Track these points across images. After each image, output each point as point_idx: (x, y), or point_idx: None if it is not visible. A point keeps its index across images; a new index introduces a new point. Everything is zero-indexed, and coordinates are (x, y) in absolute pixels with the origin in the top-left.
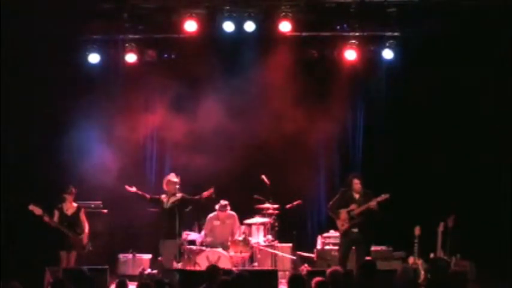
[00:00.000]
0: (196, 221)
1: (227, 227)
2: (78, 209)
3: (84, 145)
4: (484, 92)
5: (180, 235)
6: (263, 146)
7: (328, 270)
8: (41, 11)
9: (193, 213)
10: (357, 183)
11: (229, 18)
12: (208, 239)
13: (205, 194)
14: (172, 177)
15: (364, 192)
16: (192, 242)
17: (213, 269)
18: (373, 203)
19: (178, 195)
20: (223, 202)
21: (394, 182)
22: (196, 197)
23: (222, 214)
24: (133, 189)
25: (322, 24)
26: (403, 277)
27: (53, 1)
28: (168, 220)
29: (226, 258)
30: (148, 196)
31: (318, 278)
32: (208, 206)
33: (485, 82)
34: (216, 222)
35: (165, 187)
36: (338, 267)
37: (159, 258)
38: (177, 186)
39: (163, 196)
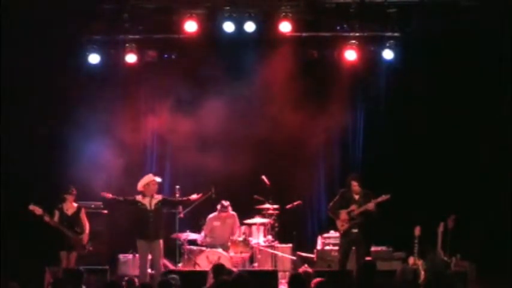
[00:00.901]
0: (196, 221)
1: (227, 227)
2: (79, 209)
3: (85, 145)
4: (484, 92)
5: (164, 235)
6: (263, 146)
7: (299, 271)
8: (41, 12)
9: (194, 213)
10: (355, 185)
11: (230, 18)
12: (208, 240)
13: (194, 197)
14: (155, 178)
15: (364, 192)
16: (193, 242)
17: (218, 267)
18: (370, 205)
19: (158, 196)
20: (224, 203)
21: (394, 182)
22: (184, 198)
23: (222, 214)
24: (109, 195)
25: (322, 25)
26: (402, 278)
27: (54, 1)
28: (154, 221)
29: (226, 259)
30: (121, 198)
31: (317, 279)
32: (208, 207)
33: (485, 82)
34: (216, 223)
35: (143, 188)
36: (308, 268)
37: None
38: None
39: (139, 197)
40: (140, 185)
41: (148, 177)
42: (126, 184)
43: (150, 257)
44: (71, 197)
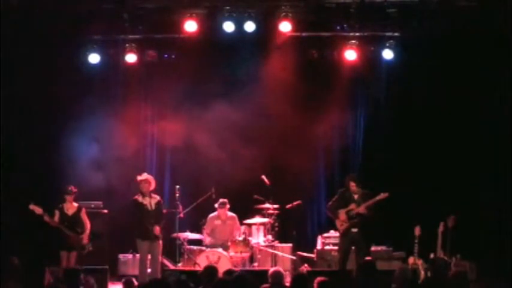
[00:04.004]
0: (196, 221)
1: (228, 227)
2: (79, 208)
3: (84, 145)
4: (484, 92)
5: (163, 236)
6: (263, 146)
7: (270, 271)
8: (41, 11)
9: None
10: (353, 186)
11: (230, 18)
12: (209, 240)
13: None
14: (147, 177)
15: (362, 192)
16: (193, 242)
17: (210, 269)
18: (361, 208)
19: (157, 197)
20: (222, 200)
21: (394, 182)
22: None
23: (222, 213)
24: None
25: (322, 25)
26: (400, 278)
27: (53, 1)
28: (154, 222)
29: (226, 259)
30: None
31: (320, 278)
32: (208, 207)
33: (485, 82)
34: (217, 222)
35: (143, 188)
36: (279, 268)
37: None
38: None
39: (139, 198)
40: (144, 183)
41: (148, 176)
42: (124, 183)
43: (149, 257)
44: (71, 197)
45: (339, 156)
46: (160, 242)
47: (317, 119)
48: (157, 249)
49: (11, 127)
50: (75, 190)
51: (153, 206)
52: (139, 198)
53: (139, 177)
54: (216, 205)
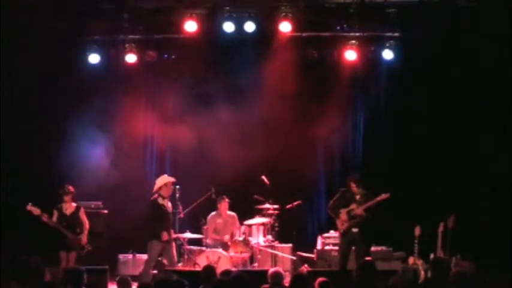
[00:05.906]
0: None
1: (229, 227)
2: (77, 208)
3: (84, 145)
4: (484, 92)
5: None
6: (263, 146)
7: (270, 272)
8: (41, 11)
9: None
10: (353, 187)
11: (229, 18)
12: (209, 240)
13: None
14: (171, 179)
15: (364, 192)
16: (193, 242)
17: (209, 269)
18: (358, 211)
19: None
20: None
21: (394, 182)
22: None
23: (223, 209)
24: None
25: (322, 25)
26: (403, 278)
27: (53, 1)
28: (171, 224)
29: (226, 259)
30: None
31: (321, 279)
32: (208, 207)
33: (485, 82)
34: (219, 220)
35: (160, 189)
36: (278, 268)
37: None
38: None
39: (159, 200)
40: (157, 186)
41: (166, 178)
42: (124, 183)
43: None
44: (69, 197)
45: (339, 156)
46: (174, 243)
47: (317, 119)
48: (172, 251)
49: (10, 127)
50: (72, 190)
51: (170, 209)
52: (160, 200)
53: (171, 179)
54: (217, 203)
